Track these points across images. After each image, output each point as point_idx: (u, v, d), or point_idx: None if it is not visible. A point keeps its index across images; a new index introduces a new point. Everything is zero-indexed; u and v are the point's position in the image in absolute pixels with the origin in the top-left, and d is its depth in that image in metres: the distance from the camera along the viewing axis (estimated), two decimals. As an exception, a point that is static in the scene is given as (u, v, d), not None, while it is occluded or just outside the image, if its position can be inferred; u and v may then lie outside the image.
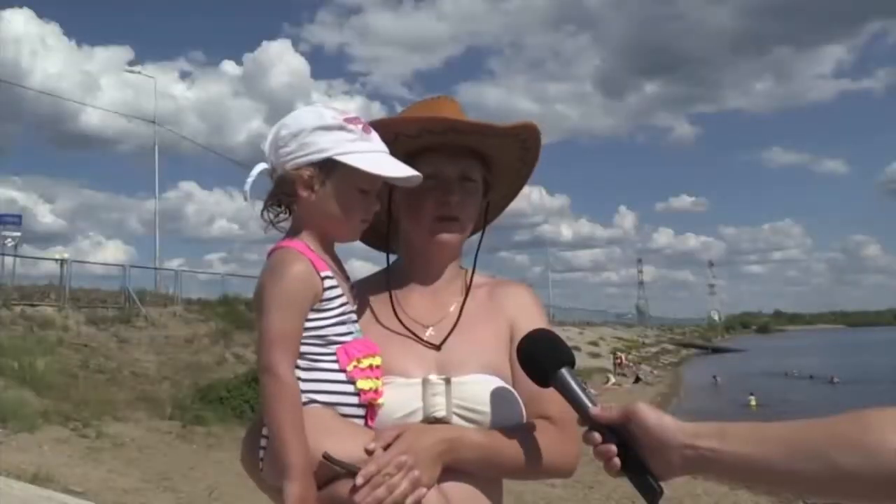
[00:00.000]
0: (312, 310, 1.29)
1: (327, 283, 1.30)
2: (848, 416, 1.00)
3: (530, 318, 1.46)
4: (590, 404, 1.20)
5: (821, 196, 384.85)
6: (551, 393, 1.30)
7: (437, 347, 1.41)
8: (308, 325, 1.28)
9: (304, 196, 1.31)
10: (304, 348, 1.28)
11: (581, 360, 38.87)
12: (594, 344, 48.15)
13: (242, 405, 12.85)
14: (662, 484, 1.13)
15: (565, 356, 1.25)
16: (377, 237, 1.58)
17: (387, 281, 1.51)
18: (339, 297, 1.32)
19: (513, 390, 1.38)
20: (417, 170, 1.41)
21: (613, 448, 1.15)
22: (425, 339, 1.43)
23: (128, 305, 20.12)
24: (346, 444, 1.23)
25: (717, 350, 75.35)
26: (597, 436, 1.17)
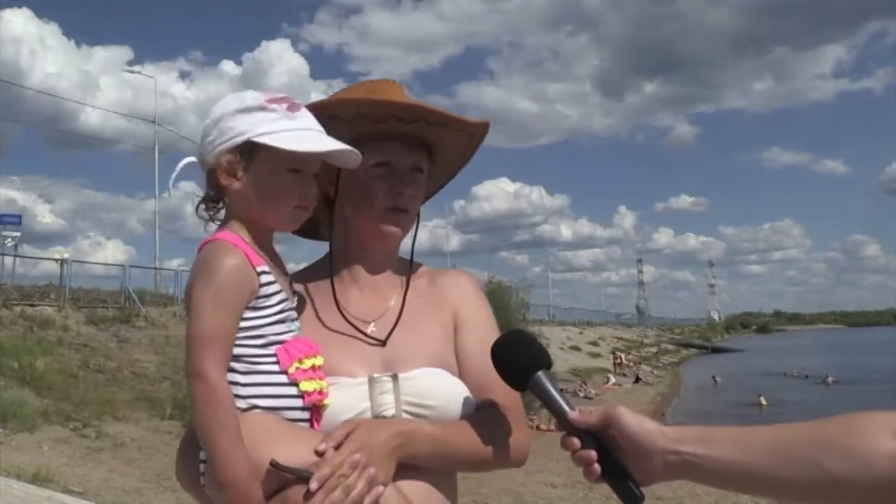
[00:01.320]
0: (248, 308, 1.21)
1: (264, 278, 1.22)
2: (835, 420, 0.98)
3: (472, 305, 1.45)
4: (567, 408, 1.15)
5: (821, 196, 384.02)
6: (499, 381, 1.27)
7: (382, 343, 1.35)
8: (244, 324, 1.21)
9: (228, 184, 1.24)
10: (241, 350, 1.20)
11: (581, 360, 38.92)
12: (594, 344, 48.17)
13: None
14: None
15: (542, 359, 1.21)
16: (310, 226, 1.50)
17: (328, 275, 1.43)
18: (277, 294, 1.24)
19: (461, 382, 1.35)
20: (374, 156, 1.37)
21: (593, 454, 1.11)
22: (368, 334, 1.37)
23: (128, 305, 20.08)
24: (294, 448, 1.16)
25: (716, 350, 75.33)
26: (575, 441, 1.13)
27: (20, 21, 72.03)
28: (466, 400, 1.34)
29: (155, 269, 27.75)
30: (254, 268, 1.22)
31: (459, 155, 1.52)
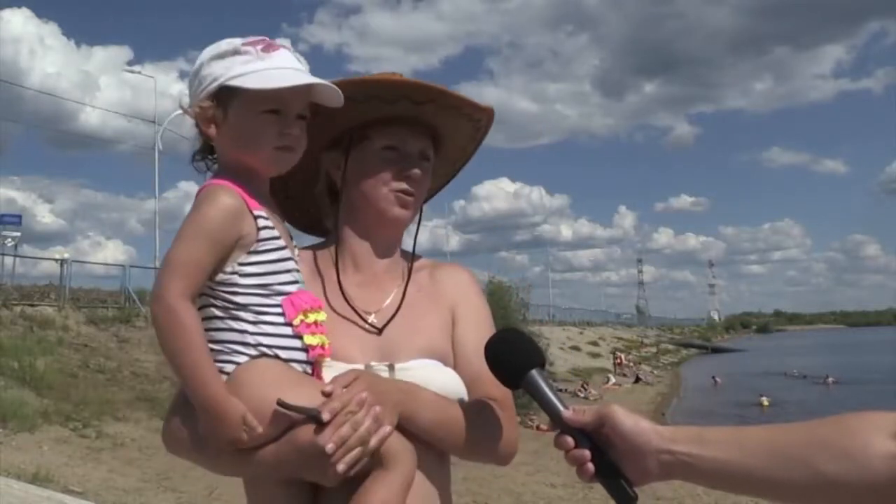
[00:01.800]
0: (250, 252, 1.21)
1: (261, 222, 1.22)
2: (830, 421, 0.98)
3: (470, 300, 1.47)
4: (561, 407, 1.15)
5: (821, 196, 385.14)
6: (493, 376, 1.28)
7: (380, 332, 1.37)
8: (246, 270, 1.21)
9: (209, 132, 1.24)
10: (248, 300, 1.21)
11: (581, 360, 38.90)
12: (594, 344, 48.13)
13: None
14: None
15: (536, 357, 1.21)
16: (309, 219, 1.54)
17: (331, 259, 1.44)
18: (276, 239, 1.24)
19: (456, 374, 1.37)
20: (382, 140, 1.39)
21: (586, 453, 1.10)
22: (370, 322, 1.38)
23: (128, 305, 20.11)
24: (301, 392, 1.16)
25: (716, 350, 75.26)
26: (569, 440, 1.12)
27: (20, 21, 72.21)
28: (462, 393, 1.35)
29: (155, 269, 27.73)
30: (251, 211, 1.21)
31: (462, 150, 1.54)
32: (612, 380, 33.40)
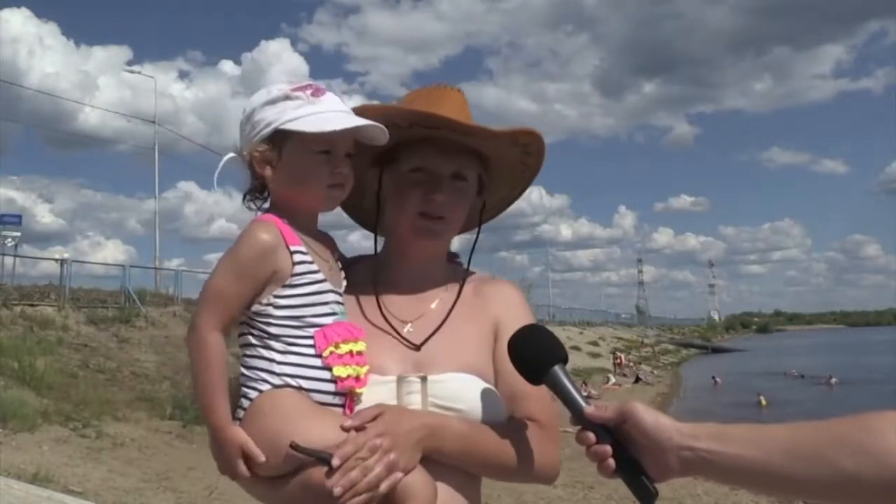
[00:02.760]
0: (285, 286, 1.26)
1: (297, 257, 1.27)
2: (849, 419, 0.98)
3: (516, 316, 1.42)
4: (583, 403, 1.16)
5: (821, 196, 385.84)
6: (535, 393, 1.28)
7: (416, 346, 1.36)
8: (280, 302, 1.26)
9: (265, 173, 1.31)
10: (280, 330, 1.25)
11: (581, 360, 38.84)
12: (594, 344, 48.10)
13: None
14: (660, 484, 1.11)
15: (558, 353, 1.21)
16: (365, 217, 1.56)
17: (373, 271, 1.46)
18: (313, 273, 1.28)
19: (494, 390, 1.34)
20: (409, 161, 1.40)
21: (608, 449, 1.11)
22: (404, 335, 1.38)
23: (128, 305, 20.07)
24: (316, 427, 1.19)
25: (716, 350, 75.27)
26: (591, 436, 1.13)
27: (19, 21, 72.25)
28: (497, 407, 1.33)
29: (155, 269, 27.75)
30: (288, 247, 1.27)
31: (520, 165, 1.48)
32: (612, 380, 33.37)
